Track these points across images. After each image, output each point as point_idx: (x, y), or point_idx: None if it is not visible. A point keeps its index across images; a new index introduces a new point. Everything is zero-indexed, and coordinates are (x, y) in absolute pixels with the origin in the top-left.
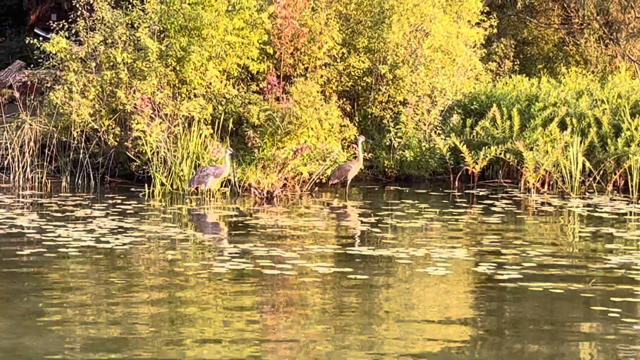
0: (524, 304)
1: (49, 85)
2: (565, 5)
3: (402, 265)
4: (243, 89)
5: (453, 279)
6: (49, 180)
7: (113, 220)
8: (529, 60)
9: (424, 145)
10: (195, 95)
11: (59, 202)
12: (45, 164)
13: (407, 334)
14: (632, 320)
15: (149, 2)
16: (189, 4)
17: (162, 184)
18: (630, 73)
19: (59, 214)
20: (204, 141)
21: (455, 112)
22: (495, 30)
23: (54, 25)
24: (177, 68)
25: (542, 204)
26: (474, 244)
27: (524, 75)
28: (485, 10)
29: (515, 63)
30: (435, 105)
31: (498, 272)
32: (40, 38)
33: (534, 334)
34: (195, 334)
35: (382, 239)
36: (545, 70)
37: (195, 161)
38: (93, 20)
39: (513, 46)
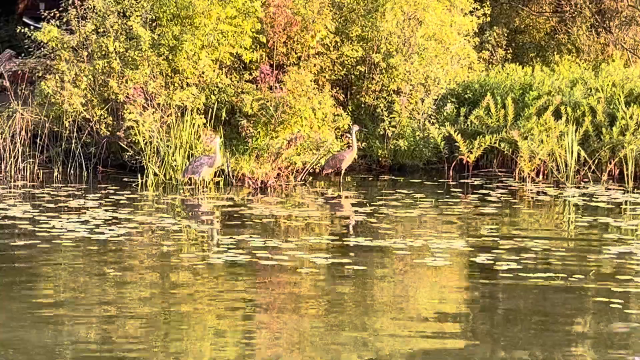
0: (524, 295)
1: (40, 74)
2: None
3: (400, 256)
4: (236, 78)
5: (452, 270)
6: (41, 171)
7: (107, 210)
8: (521, 49)
9: (418, 135)
10: (187, 85)
11: (52, 193)
12: (36, 154)
13: (405, 326)
14: (634, 311)
15: None
16: None
17: (155, 174)
18: (623, 61)
19: (51, 205)
20: (197, 131)
21: (449, 101)
22: (488, 19)
23: (45, 14)
24: (170, 57)
25: (538, 193)
26: (471, 234)
27: (517, 63)
28: None
29: (508, 52)
30: (429, 94)
31: (497, 262)
32: (31, 27)
33: (536, 326)
34: (191, 325)
35: (379, 229)
36: (537, 58)
37: (188, 151)
38: (84, 9)
39: (505, 35)
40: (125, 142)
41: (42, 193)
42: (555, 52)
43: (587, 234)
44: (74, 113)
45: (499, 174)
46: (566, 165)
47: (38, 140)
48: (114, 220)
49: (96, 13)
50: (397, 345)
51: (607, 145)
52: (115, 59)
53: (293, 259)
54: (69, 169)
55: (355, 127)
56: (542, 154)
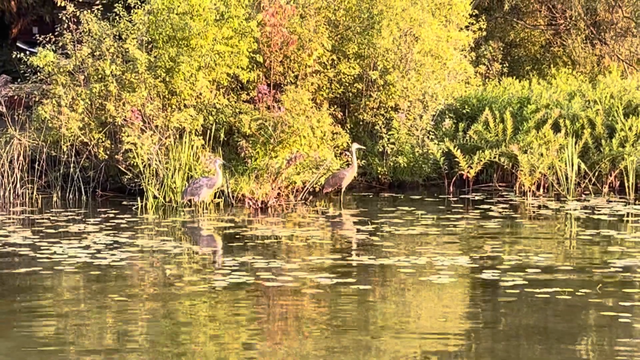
0: (530, 311)
1: (36, 99)
2: (551, 7)
3: (404, 274)
4: (233, 98)
5: (457, 287)
6: (40, 196)
7: (107, 235)
8: (517, 62)
9: (417, 151)
10: (185, 106)
11: (51, 218)
12: (35, 179)
13: (410, 344)
14: None
15: (136, 13)
16: (177, 14)
17: (155, 197)
18: (619, 73)
19: (52, 230)
20: (196, 152)
21: (448, 116)
22: (484, 33)
23: (40, 39)
24: (167, 79)
25: (539, 207)
26: (475, 250)
27: (513, 77)
28: (473, 13)
29: (504, 65)
30: (427, 110)
31: (502, 278)
32: (27, 52)
33: (542, 341)
34: (195, 347)
35: (381, 248)
36: (533, 71)
37: (188, 173)
38: (80, 33)
39: (501, 48)
40: (123, 165)
41: (42, 218)
42: (551, 65)
43: (591, 247)
44: (72, 137)
45: (500, 188)
46: (567, 179)
47: (36, 166)
48: (115, 245)
49: (92, 37)
50: None
51: (607, 157)
52: (112, 82)
53: (296, 280)
54: (68, 194)
55: (356, 145)
56: (542, 168)
